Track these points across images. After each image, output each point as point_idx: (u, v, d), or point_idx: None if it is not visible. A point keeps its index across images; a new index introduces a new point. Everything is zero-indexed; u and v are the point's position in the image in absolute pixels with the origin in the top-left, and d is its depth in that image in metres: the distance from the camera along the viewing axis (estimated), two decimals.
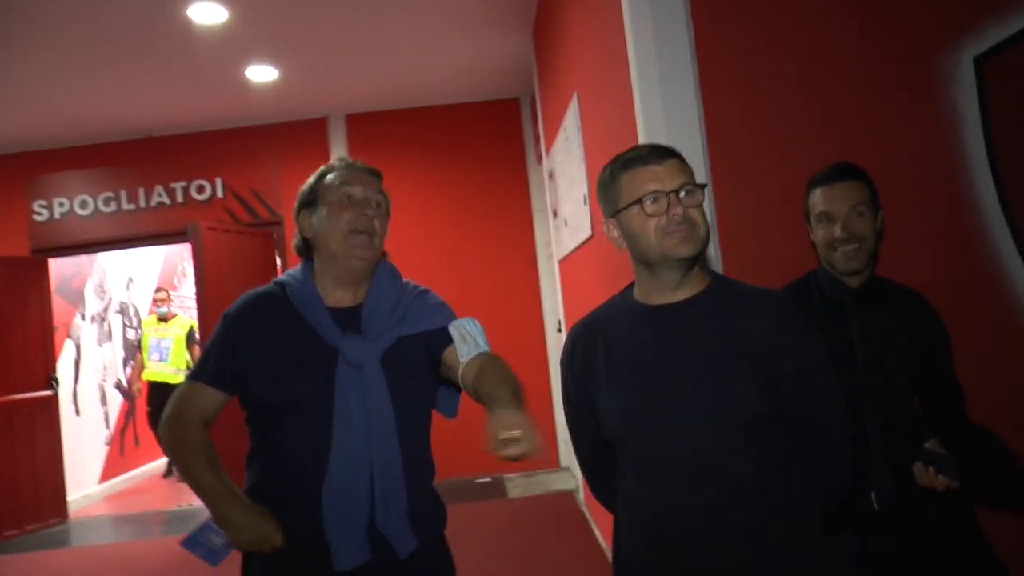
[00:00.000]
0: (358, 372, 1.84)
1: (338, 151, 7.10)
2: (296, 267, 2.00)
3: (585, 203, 3.97)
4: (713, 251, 2.53)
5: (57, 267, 7.61)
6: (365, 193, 1.92)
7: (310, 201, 1.94)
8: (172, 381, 8.01)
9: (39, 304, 6.95)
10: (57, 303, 7.50)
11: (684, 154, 2.53)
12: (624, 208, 1.64)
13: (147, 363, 8.24)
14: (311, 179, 1.98)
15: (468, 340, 1.82)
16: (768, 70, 2.57)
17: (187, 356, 8.30)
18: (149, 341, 8.30)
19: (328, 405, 1.82)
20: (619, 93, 3.01)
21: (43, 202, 7.04)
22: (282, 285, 1.95)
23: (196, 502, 7.26)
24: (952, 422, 2.09)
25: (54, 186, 7.07)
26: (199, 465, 1.86)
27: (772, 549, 1.53)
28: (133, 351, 9.26)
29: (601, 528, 4.84)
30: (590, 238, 3.95)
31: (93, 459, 8.13)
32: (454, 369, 1.85)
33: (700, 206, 1.62)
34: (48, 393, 6.88)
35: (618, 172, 1.67)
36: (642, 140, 2.63)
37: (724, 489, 1.54)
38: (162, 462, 9.17)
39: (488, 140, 7.24)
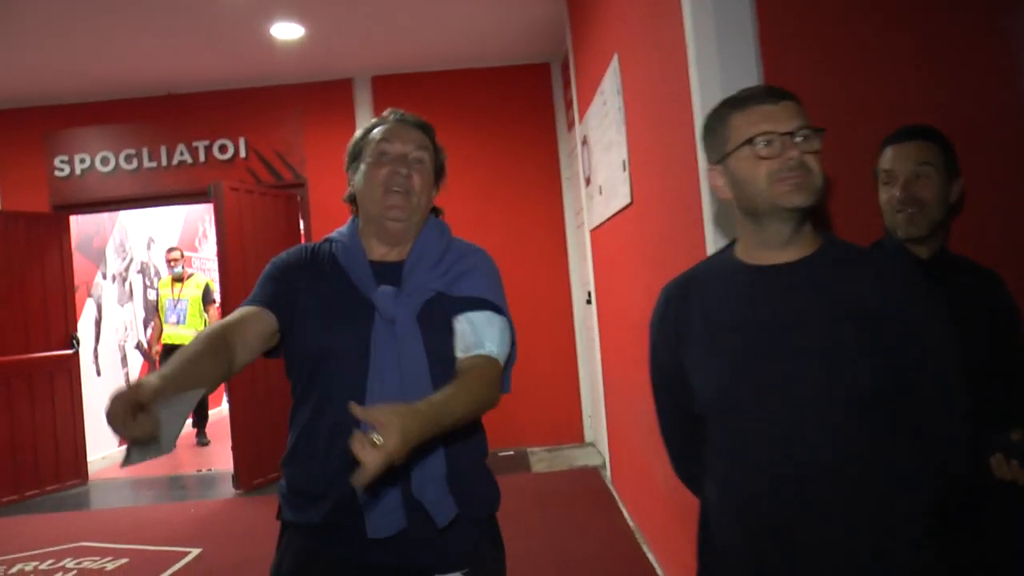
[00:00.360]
0: (391, 327, 1.74)
1: (363, 113, 6.93)
2: (345, 225, 1.94)
3: (624, 169, 3.80)
4: None
5: (78, 225, 7.52)
6: (404, 148, 1.83)
7: (355, 156, 1.89)
8: None
9: (59, 261, 6.86)
10: (78, 261, 7.42)
11: None
12: (733, 151, 1.48)
13: (165, 326, 8.09)
14: (359, 132, 1.92)
15: (469, 337, 1.74)
16: (837, 23, 2.38)
17: (204, 317, 8.13)
18: (166, 303, 8.13)
19: (364, 358, 1.72)
20: (667, 52, 2.83)
21: (64, 157, 6.92)
22: (329, 241, 1.90)
23: (217, 466, 7.22)
24: None
25: (74, 141, 6.95)
26: (179, 355, 1.56)
27: (875, 538, 1.38)
28: (154, 312, 9.19)
29: (628, 506, 4.71)
30: (629, 205, 3.77)
31: None
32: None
33: (817, 153, 1.45)
34: (69, 352, 6.81)
35: (728, 112, 1.50)
36: (697, 100, 2.45)
37: (827, 471, 1.39)
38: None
39: (517, 105, 7.04)
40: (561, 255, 6.97)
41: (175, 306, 8.08)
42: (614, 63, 3.83)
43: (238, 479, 6.12)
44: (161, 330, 8.15)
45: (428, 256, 1.84)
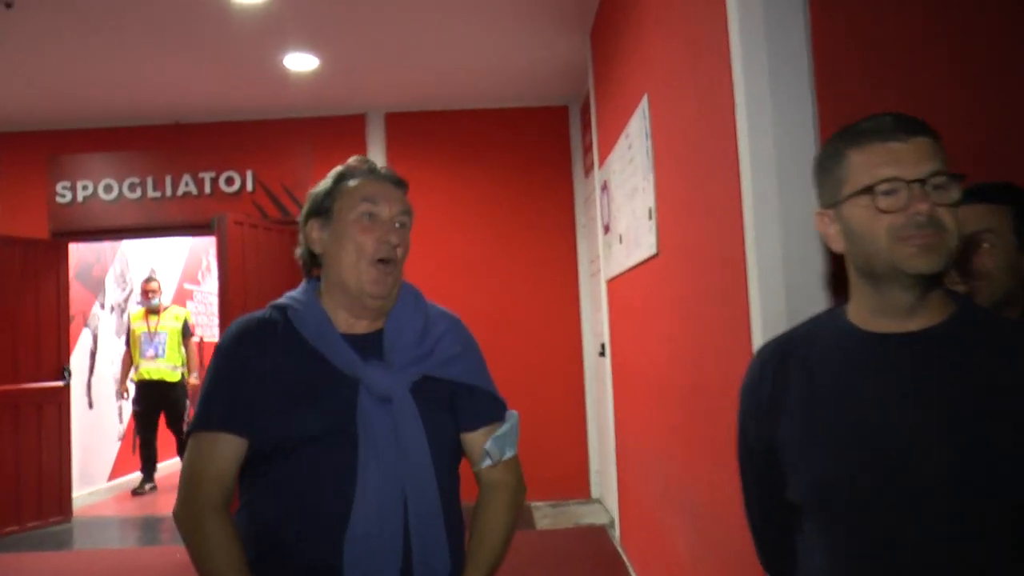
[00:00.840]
0: (385, 405, 1.54)
1: (376, 150, 6.76)
2: (297, 289, 1.70)
3: (650, 217, 3.59)
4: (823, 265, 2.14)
5: (78, 253, 7.33)
6: (391, 212, 1.62)
7: (323, 210, 1.65)
8: (170, 379, 7.62)
9: (56, 289, 6.65)
10: (76, 290, 7.22)
11: (795, 160, 2.19)
12: (848, 197, 1.23)
13: (139, 360, 7.63)
14: (326, 182, 1.69)
15: (494, 451, 1.65)
16: (901, 61, 2.19)
17: (182, 352, 7.78)
18: (140, 337, 7.65)
19: (350, 441, 1.52)
20: (707, 92, 2.64)
21: (66, 183, 6.73)
22: (281, 309, 1.65)
23: None
24: None
25: (77, 167, 6.76)
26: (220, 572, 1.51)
27: None
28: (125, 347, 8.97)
29: (638, 570, 4.44)
30: (654, 256, 3.56)
31: (104, 455, 7.83)
32: (471, 455, 1.70)
33: (954, 206, 1.19)
34: (59, 384, 6.57)
35: (845, 147, 1.25)
36: (744, 145, 2.25)
37: None
38: (164, 467, 8.84)
39: (533, 148, 6.87)
40: (573, 304, 6.74)
41: (151, 339, 7.65)
42: (643, 104, 3.65)
43: None
44: (130, 365, 7.75)
45: (409, 330, 1.64)
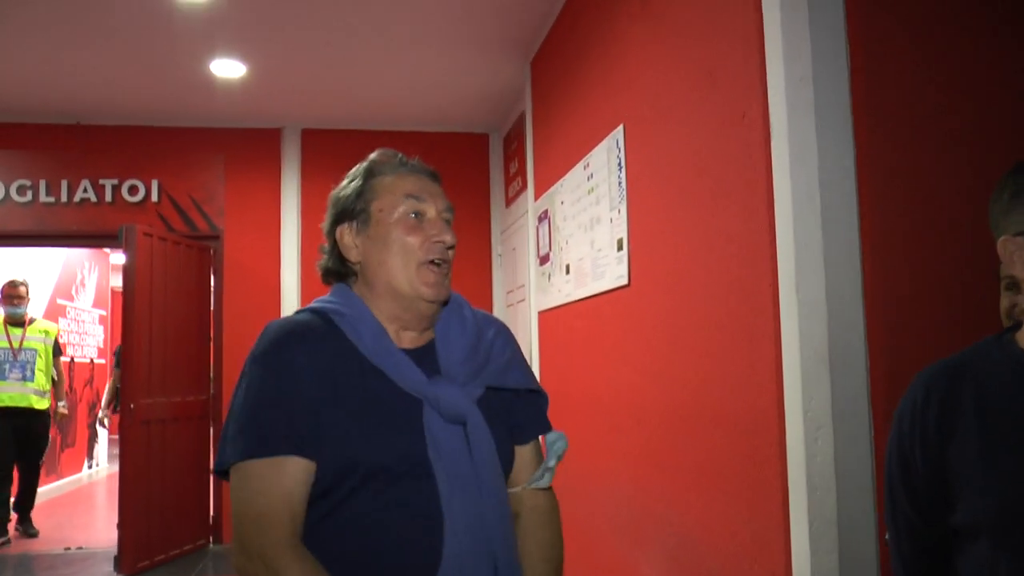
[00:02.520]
0: (452, 427, 1.40)
1: (290, 167, 6.51)
2: (335, 294, 1.52)
3: (620, 248, 3.58)
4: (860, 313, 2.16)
5: None
6: (437, 208, 1.50)
7: (355, 212, 1.48)
8: (38, 406, 6.54)
9: None
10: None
11: (837, 192, 2.21)
12: None
13: (1, 384, 6.42)
14: (355, 181, 1.51)
15: (544, 472, 1.55)
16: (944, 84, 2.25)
17: (52, 373, 6.75)
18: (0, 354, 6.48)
19: (424, 470, 1.36)
20: (725, 125, 2.65)
21: None
22: (325, 315, 1.45)
23: (89, 544, 6.40)
24: None
25: None
26: None
27: None
28: None
29: None
30: (624, 286, 3.54)
31: None
32: (516, 472, 1.57)
33: None
34: None
35: None
36: (782, 182, 2.25)
37: None
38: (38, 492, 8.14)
39: (451, 174, 6.65)
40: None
41: (15, 358, 6.45)
42: (615, 134, 3.64)
43: (121, 561, 5.39)
44: None
45: (461, 340, 1.50)
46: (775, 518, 2.30)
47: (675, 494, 3.07)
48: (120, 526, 5.43)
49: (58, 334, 7.03)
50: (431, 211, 1.48)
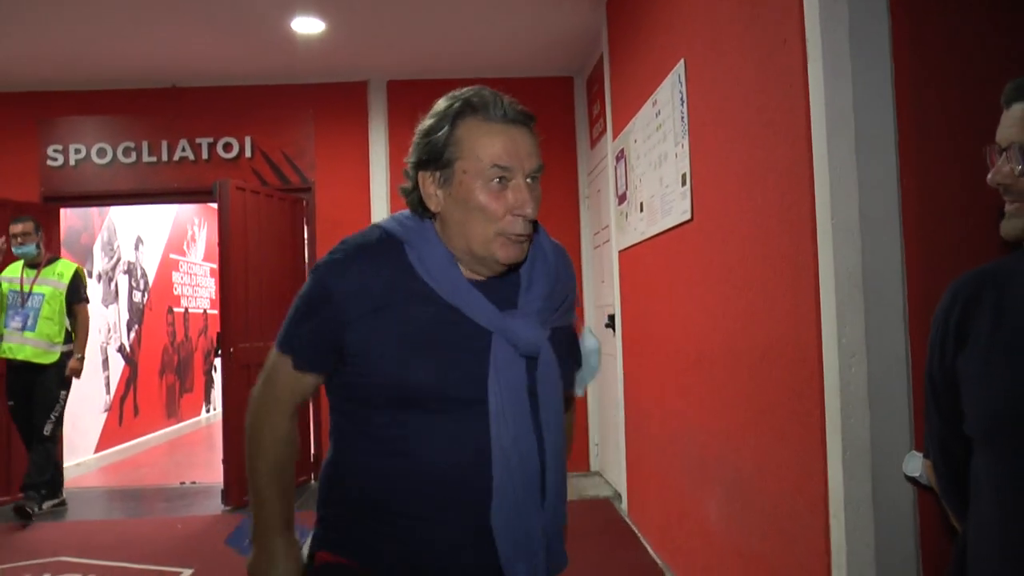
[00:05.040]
0: (520, 362, 1.40)
1: (377, 119, 6.64)
2: (408, 217, 1.47)
3: (683, 183, 3.55)
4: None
5: (66, 220, 7.14)
6: (527, 167, 1.38)
7: (440, 161, 1.38)
8: (41, 361, 5.64)
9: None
10: (64, 257, 7.01)
11: (873, 123, 2.15)
12: None
13: (1, 331, 5.66)
14: (440, 121, 1.40)
15: (586, 374, 1.59)
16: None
17: (66, 322, 5.78)
18: (7, 298, 5.67)
19: (481, 400, 1.37)
20: (768, 53, 2.59)
21: (58, 147, 6.56)
22: (396, 237, 1.43)
23: (201, 479, 6.84)
24: None
25: (70, 131, 6.59)
26: (270, 488, 1.51)
27: None
28: (140, 315, 8.77)
29: (652, 541, 4.43)
30: (687, 222, 3.52)
31: (90, 426, 7.68)
32: None
33: None
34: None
35: None
36: (817, 105, 2.20)
37: None
38: (151, 437, 8.69)
39: (537, 115, 6.75)
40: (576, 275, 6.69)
41: (21, 303, 5.61)
42: (677, 69, 3.59)
43: (228, 494, 5.75)
44: None
45: (542, 276, 1.46)
46: (815, 450, 2.29)
47: (732, 431, 3.08)
48: (225, 462, 5.79)
49: (79, 273, 5.89)
50: (519, 177, 1.38)
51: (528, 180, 1.40)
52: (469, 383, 1.38)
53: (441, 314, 1.39)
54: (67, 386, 5.86)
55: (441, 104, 1.43)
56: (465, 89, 1.44)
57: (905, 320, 2.09)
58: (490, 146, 1.36)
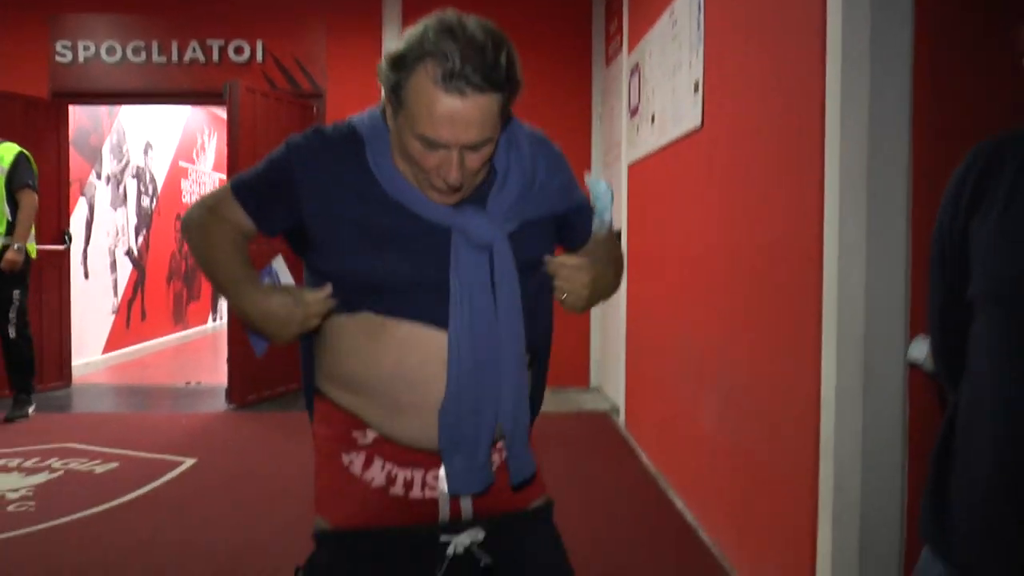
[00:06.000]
0: (482, 259, 1.39)
1: (391, 27, 6.55)
2: (377, 117, 1.43)
3: (695, 91, 3.52)
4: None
5: (75, 119, 7.11)
6: (460, 140, 1.29)
7: (394, 90, 1.30)
8: None
9: (56, 151, 6.48)
10: (73, 158, 7.01)
11: (890, 31, 2.12)
12: None
13: None
14: (401, 58, 1.28)
15: (603, 215, 1.51)
16: None
17: (6, 210, 5.30)
18: None
19: (439, 293, 1.38)
20: None
21: (66, 42, 6.50)
22: (359, 135, 1.42)
23: (206, 379, 6.95)
24: None
25: (79, 27, 6.52)
26: (232, 261, 1.43)
27: None
28: (148, 220, 8.80)
29: (649, 453, 4.51)
30: (697, 130, 3.50)
31: (98, 327, 7.77)
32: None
33: None
34: (60, 248, 6.46)
35: None
36: (834, 12, 2.17)
37: None
38: (157, 342, 8.80)
39: (552, 36, 6.68)
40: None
41: None
42: None
43: (231, 393, 5.86)
44: None
45: (515, 177, 1.43)
46: (810, 346, 2.32)
47: (730, 337, 3.11)
48: (229, 361, 5.90)
49: (24, 158, 5.41)
50: (447, 139, 1.28)
51: (466, 150, 1.31)
52: (431, 275, 1.38)
53: (398, 210, 1.39)
54: (17, 283, 5.36)
55: (414, 35, 1.29)
56: (445, 23, 1.28)
57: (907, 219, 2.09)
58: (427, 116, 1.27)
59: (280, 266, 1.51)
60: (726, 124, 3.18)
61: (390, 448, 1.45)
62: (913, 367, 2.03)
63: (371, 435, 1.46)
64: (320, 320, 1.39)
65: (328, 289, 1.37)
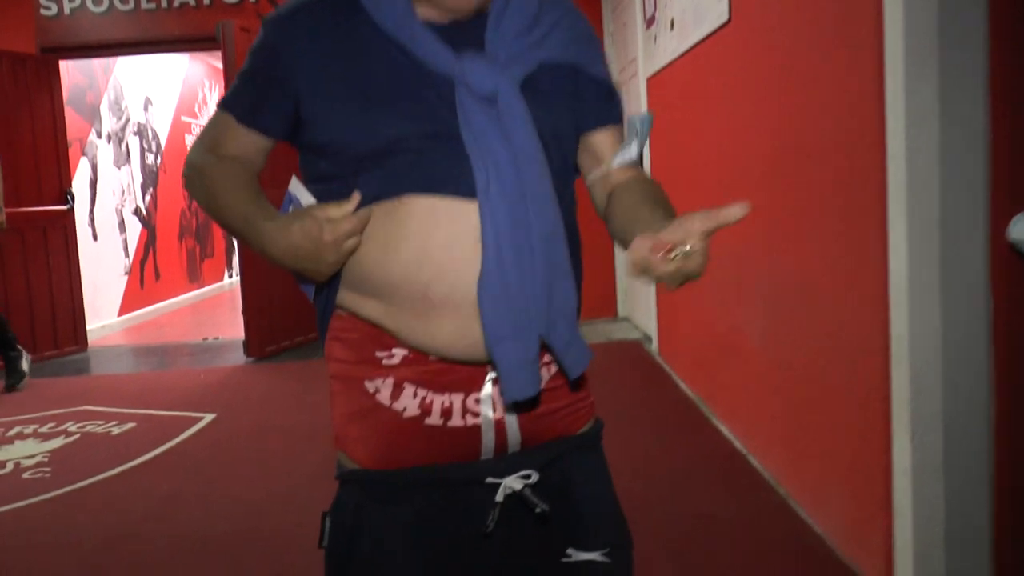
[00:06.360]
0: (490, 106, 1.16)
1: None
2: None
3: None
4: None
5: (69, 76, 6.88)
6: None
7: None
8: None
9: (50, 109, 6.26)
10: (70, 116, 6.78)
11: None
12: None
13: None
14: None
15: (631, 143, 1.25)
16: None
17: None
18: None
19: (457, 157, 1.16)
20: None
21: None
22: None
23: (223, 334, 6.80)
24: None
25: None
26: (237, 195, 1.25)
27: None
28: (155, 178, 8.59)
29: (685, 379, 4.30)
30: (725, 24, 3.21)
31: (112, 290, 7.61)
32: (594, 163, 1.31)
33: None
34: (63, 208, 6.27)
35: None
36: None
37: None
38: (173, 301, 8.65)
39: None
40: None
41: None
42: None
43: (249, 346, 5.69)
44: None
45: (517, 13, 1.23)
46: (872, 238, 2.08)
47: (773, 243, 2.87)
48: (245, 313, 5.72)
49: None
50: None
51: None
52: (444, 135, 1.16)
53: (399, 60, 1.18)
54: None
55: None
56: None
57: (986, 128, 1.82)
58: None
59: (297, 187, 1.27)
60: (761, 14, 2.88)
61: (423, 369, 1.22)
62: (1015, 250, 1.76)
63: (399, 353, 1.22)
64: (358, 239, 1.15)
65: (356, 198, 1.14)
